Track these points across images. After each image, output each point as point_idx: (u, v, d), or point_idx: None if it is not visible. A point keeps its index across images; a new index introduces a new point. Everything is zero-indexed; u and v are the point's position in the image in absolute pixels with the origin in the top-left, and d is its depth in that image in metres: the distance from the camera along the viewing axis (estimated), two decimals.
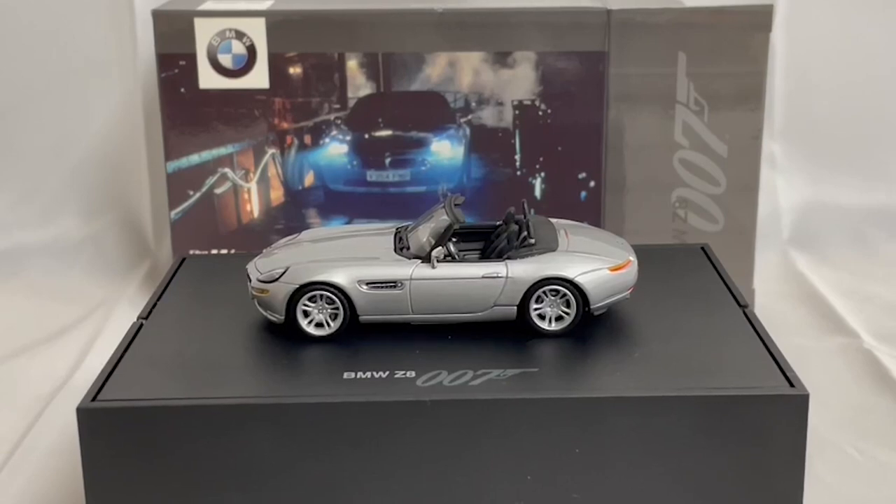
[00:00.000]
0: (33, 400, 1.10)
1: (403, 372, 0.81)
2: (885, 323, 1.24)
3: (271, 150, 1.25)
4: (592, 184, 1.24)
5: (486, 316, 0.86)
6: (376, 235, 0.91)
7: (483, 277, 0.85)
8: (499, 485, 0.79)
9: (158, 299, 0.95)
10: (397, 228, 0.92)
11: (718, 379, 0.80)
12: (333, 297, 0.85)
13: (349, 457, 0.78)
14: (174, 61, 1.22)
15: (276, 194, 1.26)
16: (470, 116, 1.24)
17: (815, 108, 1.47)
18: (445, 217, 0.87)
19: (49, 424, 1.06)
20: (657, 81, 1.22)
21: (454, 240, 0.87)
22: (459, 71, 1.22)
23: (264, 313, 0.88)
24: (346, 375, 0.81)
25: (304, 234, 0.95)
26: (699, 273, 0.99)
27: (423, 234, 0.87)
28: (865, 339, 1.20)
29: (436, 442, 0.78)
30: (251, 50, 1.22)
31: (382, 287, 0.85)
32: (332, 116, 1.24)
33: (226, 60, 1.22)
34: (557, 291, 0.85)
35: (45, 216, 1.45)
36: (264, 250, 0.93)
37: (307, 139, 1.24)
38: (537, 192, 1.25)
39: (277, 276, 0.86)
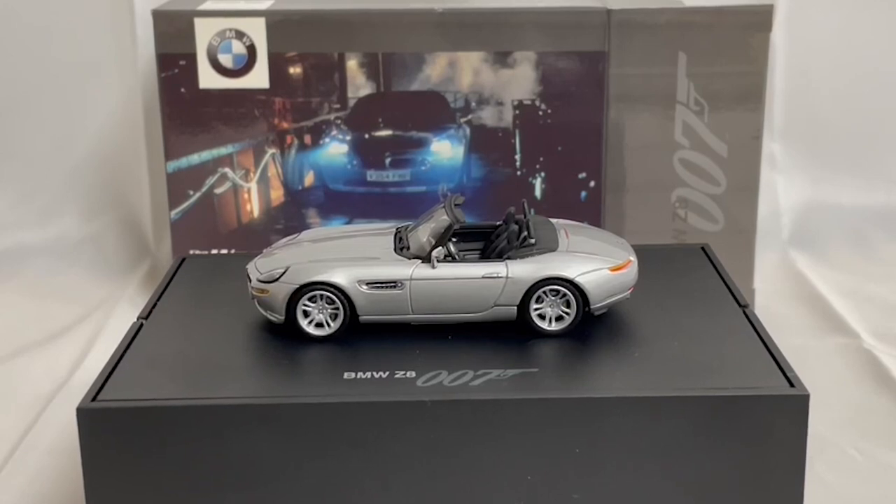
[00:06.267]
0: (33, 400, 1.10)
1: (403, 372, 0.81)
2: (884, 323, 1.24)
3: (271, 150, 1.25)
4: (592, 184, 1.24)
5: (486, 316, 0.86)
6: (376, 235, 0.91)
7: (483, 277, 0.85)
8: (499, 485, 0.79)
9: (158, 299, 0.95)
10: (397, 228, 0.91)
11: (718, 379, 0.80)
12: (333, 297, 0.85)
13: (349, 457, 0.78)
14: (174, 61, 1.22)
15: (276, 194, 1.26)
16: (470, 116, 1.24)
17: (815, 108, 1.47)
18: (445, 217, 0.87)
19: (49, 424, 1.06)
20: (657, 81, 1.22)
21: (454, 240, 0.86)
22: (459, 71, 1.22)
23: (264, 313, 0.88)
24: (346, 375, 0.81)
25: (304, 234, 0.95)
26: (699, 273, 0.99)
27: (423, 234, 0.87)
28: (865, 339, 1.20)
29: (436, 442, 0.78)
30: (251, 50, 1.22)
31: (382, 287, 0.85)
32: (332, 116, 1.24)
33: (226, 60, 1.22)
34: (557, 291, 0.85)
35: (45, 216, 1.45)
36: (264, 250, 0.93)
37: (307, 139, 1.24)
38: (537, 192, 1.25)
39: (277, 277, 0.86)
